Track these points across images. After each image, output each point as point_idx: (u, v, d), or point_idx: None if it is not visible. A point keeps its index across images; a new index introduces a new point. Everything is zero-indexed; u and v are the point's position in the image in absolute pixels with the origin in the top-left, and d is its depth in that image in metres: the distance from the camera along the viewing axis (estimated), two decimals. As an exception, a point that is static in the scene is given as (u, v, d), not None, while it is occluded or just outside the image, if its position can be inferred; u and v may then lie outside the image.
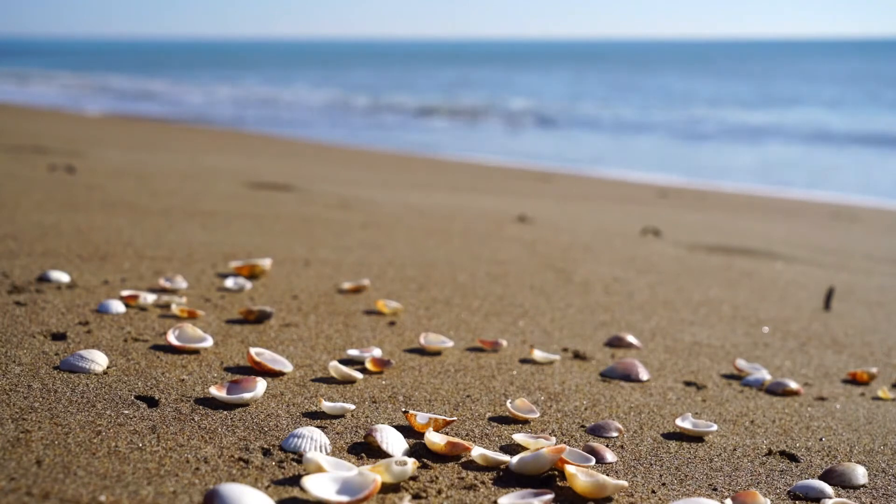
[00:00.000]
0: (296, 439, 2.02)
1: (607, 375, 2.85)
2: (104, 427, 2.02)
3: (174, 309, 3.03)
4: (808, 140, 18.64)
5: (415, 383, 2.60)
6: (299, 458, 1.96)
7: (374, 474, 1.79)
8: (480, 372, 2.77)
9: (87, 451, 1.88)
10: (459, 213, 6.45)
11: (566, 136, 19.70)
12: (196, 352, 2.66)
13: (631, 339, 3.25)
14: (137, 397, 2.25)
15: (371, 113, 24.82)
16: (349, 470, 1.84)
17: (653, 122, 21.95)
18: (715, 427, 2.38)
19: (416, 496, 1.84)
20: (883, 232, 8.09)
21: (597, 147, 17.42)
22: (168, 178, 6.98)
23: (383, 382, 2.58)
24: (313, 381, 2.53)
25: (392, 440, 2.06)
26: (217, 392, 2.27)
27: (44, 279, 3.30)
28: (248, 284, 3.52)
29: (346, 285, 3.65)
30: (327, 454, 2.01)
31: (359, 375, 2.56)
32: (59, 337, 2.66)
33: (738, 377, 2.97)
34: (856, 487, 2.14)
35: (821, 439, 2.45)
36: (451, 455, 2.05)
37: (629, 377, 2.83)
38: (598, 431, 2.33)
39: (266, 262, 3.74)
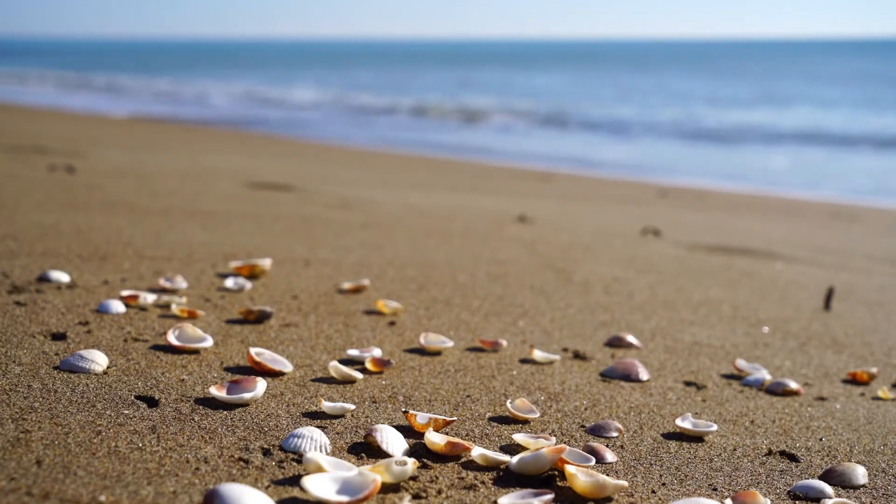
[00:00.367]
0: (296, 439, 2.02)
1: (607, 375, 2.85)
2: (104, 427, 2.02)
3: (174, 309, 3.03)
4: (809, 140, 18.63)
5: (415, 383, 2.60)
6: (299, 458, 1.96)
7: (374, 474, 1.79)
8: (480, 372, 2.77)
9: (87, 451, 1.88)
10: (459, 213, 6.45)
11: (566, 136, 19.70)
12: (196, 352, 2.66)
13: (631, 339, 3.25)
14: (137, 397, 2.25)
15: (372, 113, 24.82)
16: (349, 470, 1.84)
17: (653, 122, 21.95)
18: (715, 427, 2.38)
19: (416, 496, 1.84)
20: (883, 232, 8.09)
21: (597, 147, 17.42)
22: (168, 178, 6.98)
23: (383, 382, 2.58)
24: (313, 381, 2.53)
25: (392, 440, 2.06)
26: (217, 392, 2.27)
27: (44, 279, 3.30)
28: (248, 284, 3.52)
29: (346, 285, 3.65)
30: (327, 454, 2.01)
31: (359, 375, 2.56)
32: (59, 337, 2.66)
33: (738, 377, 2.97)
34: (856, 487, 2.14)
35: (821, 439, 2.45)
36: (451, 455, 2.05)
37: (629, 377, 2.83)
38: (598, 431, 2.33)
39: (266, 262, 3.74)
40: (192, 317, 3.00)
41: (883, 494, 2.12)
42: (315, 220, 5.47)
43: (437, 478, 1.94)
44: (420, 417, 2.18)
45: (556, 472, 2.02)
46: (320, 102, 28.06)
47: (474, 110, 25.46)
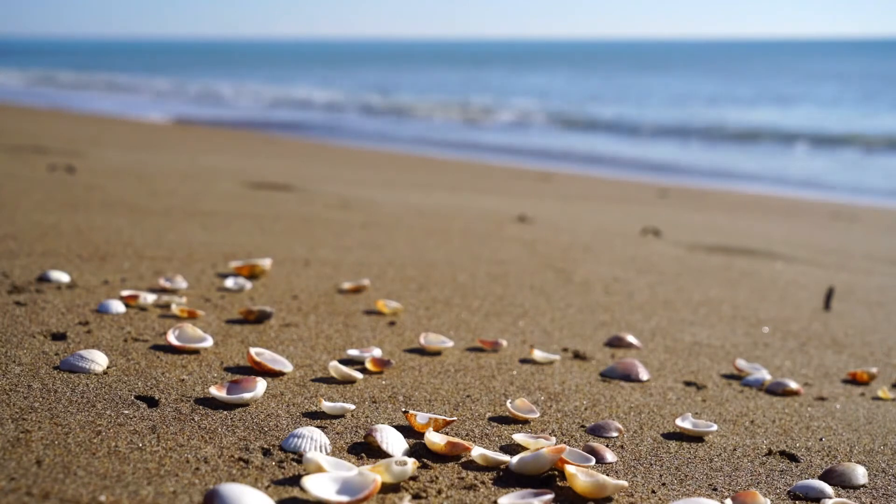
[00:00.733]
0: (296, 439, 2.02)
1: (607, 375, 2.85)
2: (104, 427, 2.02)
3: (174, 309, 3.03)
4: (809, 140, 18.63)
5: (415, 383, 2.60)
6: (299, 458, 1.96)
7: (374, 474, 1.79)
8: (480, 372, 2.77)
9: (87, 451, 1.88)
10: (459, 213, 6.45)
11: (566, 136, 19.69)
12: (196, 352, 2.66)
13: (631, 339, 3.25)
14: (137, 397, 2.25)
15: (372, 113, 24.81)
16: (349, 470, 1.84)
17: (653, 122, 21.94)
18: (715, 427, 2.38)
19: (416, 496, 1.84)
20: (883, 232, 8.09)
21: (597, 147, 17.42)
22: (168, 178, 6.98)
23: (383, 382, 2.58)
24: (313, 381, 2.53)
25: (392, 440, 2.06)
26: (217, 392, 2.27)
27: (44, 279, 3.30)
28: (248, 284, 3.52)
29: (346, 285, 3.65)
30: (327, 454, 2.01)
31: (359, 375, 2.56)
32: (59, 337, 2.66)
33: (738, 377, 2.97)
34: (856, 487, 2.13)
35: (821, 439, 2.45)
36: (451, 455, 2.05)
37: (629, 377, 2.83)
38: (598, 431, 2.33)
39: (266, 262, 3.74)
40: (192, 317, 3.00)
41: (883, 494, 2.12)
42: (315, 220, 5.47)
43: (437, 478, 1.94)
44: (420, 417, 2.18)
45: (556, 472, 2.02)
46: (321, 102, 27.99)
47: (474, 110, 25.46)
